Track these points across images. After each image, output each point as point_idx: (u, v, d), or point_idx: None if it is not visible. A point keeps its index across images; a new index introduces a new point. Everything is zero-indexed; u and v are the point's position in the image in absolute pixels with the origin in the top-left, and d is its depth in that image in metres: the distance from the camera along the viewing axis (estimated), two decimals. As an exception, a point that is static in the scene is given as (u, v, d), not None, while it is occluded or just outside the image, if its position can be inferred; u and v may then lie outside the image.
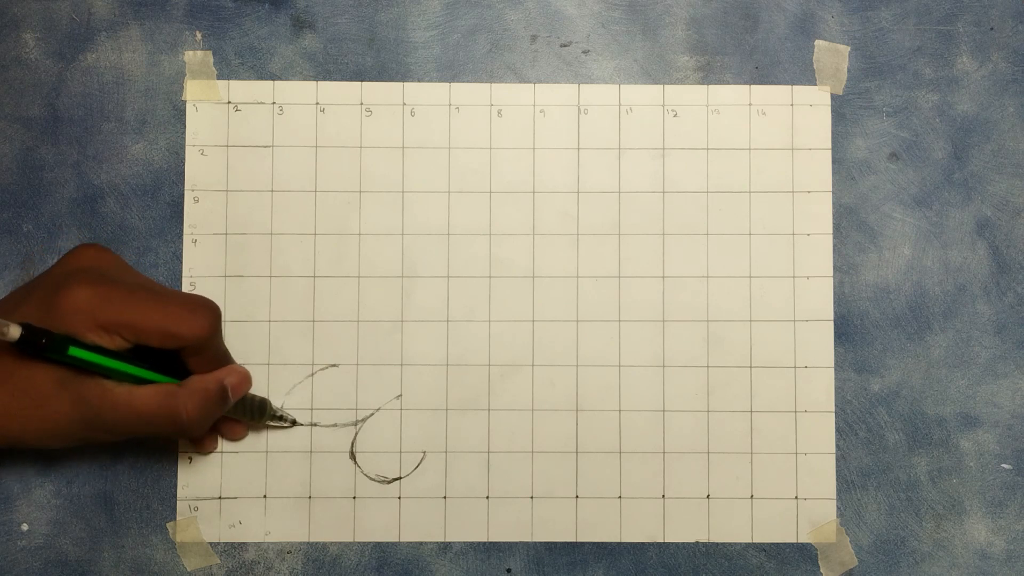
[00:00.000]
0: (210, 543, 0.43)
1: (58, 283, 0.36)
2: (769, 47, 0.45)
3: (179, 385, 0.37)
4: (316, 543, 0.43)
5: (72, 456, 0.43)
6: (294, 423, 0.43)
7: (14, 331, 0.33)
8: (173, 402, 0.36)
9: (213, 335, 0.37)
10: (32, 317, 0.35)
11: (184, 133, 0.44)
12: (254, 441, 0.43)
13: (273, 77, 0.44)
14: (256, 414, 0.42)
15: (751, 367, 0.44)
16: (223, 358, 0.40)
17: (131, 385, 0.36)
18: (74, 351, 0.34)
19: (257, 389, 0.43)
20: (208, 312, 0.37)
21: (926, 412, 0.44)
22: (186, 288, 0.44)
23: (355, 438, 0.44)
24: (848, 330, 0.44)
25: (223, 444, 0.43)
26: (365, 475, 0.43)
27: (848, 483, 0.44)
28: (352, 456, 0.43)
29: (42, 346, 0.34)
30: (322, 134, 0.44)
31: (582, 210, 0.44)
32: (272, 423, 0.43)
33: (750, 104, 0.45)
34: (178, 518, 0.43)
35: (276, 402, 0.43)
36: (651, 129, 0.45)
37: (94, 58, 0.44)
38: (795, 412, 0.44)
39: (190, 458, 0.43)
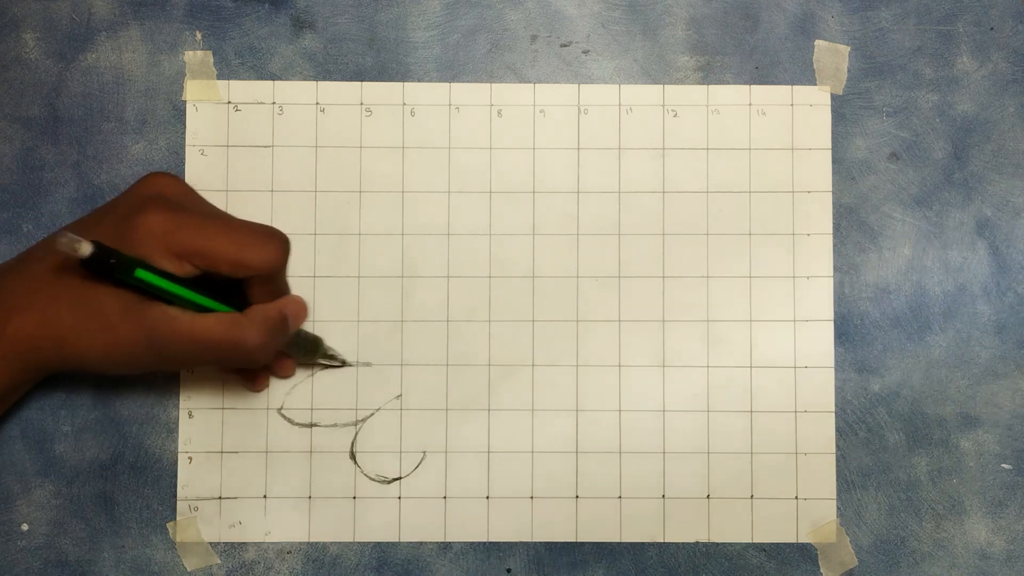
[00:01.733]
0: (210, 543, 0.43)
1: (132, 207, 0.36)
2: (769, 47, 0.45)
3: (241, 314, 0.37)
4: (316, 543, 0.43)
5: (72, 456, 0.43)
6: (344, 363, 0.43)
7: (85, 248, 0.33)
8: (238, 329, 0.37)
9: (282, 265, 0.38)
10: (105, 239, 0.35)
11: (184, 133, 0.44)
12: (254, 441, 0.43)
13: (273, 77, 0.44)
14: (309, 350, 0.42)
15: (751, 367, 0.44)
16: (285, 290, 0.40)
17: (195, 313, 0.36)
18: (140, 273, 0.34)
19: (257, 389, 0.44)
20: (279, 242, 0.37)
21: (926, 412, 0.44)
22: (186, 288, 0.44)
23: (355, 438, 0.44)
24: (848, 330, 0.44)
25: (223, 443, 0.43)
26: (365, 475, 0.43)
27: (848, 483, 0.44)
28: (352, 456, 0.43)
29: (111, 266, 0.34)
30: (322, 134, 0.44)
31: (582, 210, 0.44)
32: (323, 361, 0.43)
33: (750, 104, 0.45)
34: (178, 518, 0.43)
35: (277, 399, 0.43)
36: (651, 129, 0.45)
37: (94, 58, 0.44)
38: (795, 412, 0.44)
39: (190, 458, 0.43)
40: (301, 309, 0.41)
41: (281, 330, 0.39)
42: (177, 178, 0.40)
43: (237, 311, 0.38)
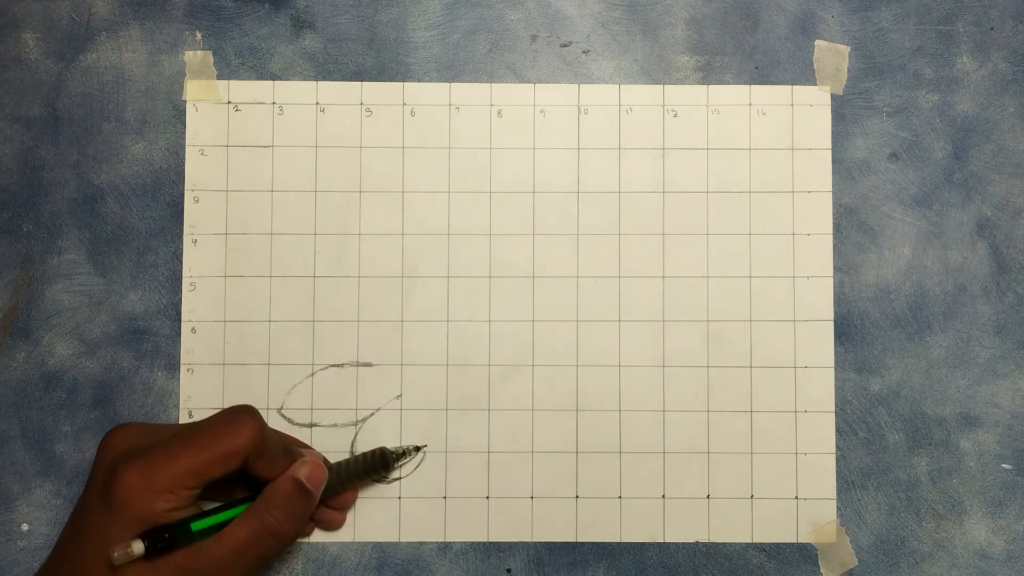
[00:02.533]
0: (210, 543, 0.43)
1: (105, 480, 0.36)
2: (769, 47, 0.45)
3: (256, 502, 0.37)
4: (316, 543, 0.43)
5: (72, 456, 0.43)
6: (417, 449, 0.43)
7: (137, 546, 0.34)
8: (257, 520, 0.37)
9: (262, 434, 0.37)
10: (101, 521, 0.35)
11: (184, 133, 0.44)
12: (254, 441, 0.43)
13: (273, 77, 0.44)
14: (381, 467, 0.42)
15: (751, 367, 0.44)
16: (288, 450, 0.39)
17: (215, 534, 0.36)
18: (196, 525, 0.35)
19: (257, 389, 0.43)
20: (247, 415, 0.37)
21: (926, 412, 0.44)
22: (187, 289, 0.44)
23: (355, 438, 0.44)
24: (848, 330, 0.44)
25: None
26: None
27: (848, 483, 0.44)
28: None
29: (168, 540, 0.35)
30: (322, 134, 0.44)
31: (582, 210, 0.44)
32: (401, 464, 0.43)
33: (750, 104, 0.45)
34: (178, 518, 0.43)
35: (277, 400, 0.43)
36: (651, 129, 0.45)
37: (94, 58, 0.44)
38: (795, 412, 0.44)
39: (190, 458, 0.43)
40: (314, 467, 0.39)
41: (302, 496, 0.38)
42: (127, 425, 0.38)
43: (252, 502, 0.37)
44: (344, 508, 0.42)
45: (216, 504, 0.37)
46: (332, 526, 0.42)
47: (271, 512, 0.37)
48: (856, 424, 0.44)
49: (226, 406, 0.43)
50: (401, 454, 0.43)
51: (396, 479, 0.43)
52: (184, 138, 0.44)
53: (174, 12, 0.45)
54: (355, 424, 0.43)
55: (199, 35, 0.45)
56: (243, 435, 0.36)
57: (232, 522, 0.37)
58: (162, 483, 0.35)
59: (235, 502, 0.37)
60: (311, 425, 0.43)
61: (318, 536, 0.43)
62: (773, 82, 0.45)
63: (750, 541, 0.43)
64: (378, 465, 0.42)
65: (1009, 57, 0.45)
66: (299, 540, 0.43)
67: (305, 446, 0.42)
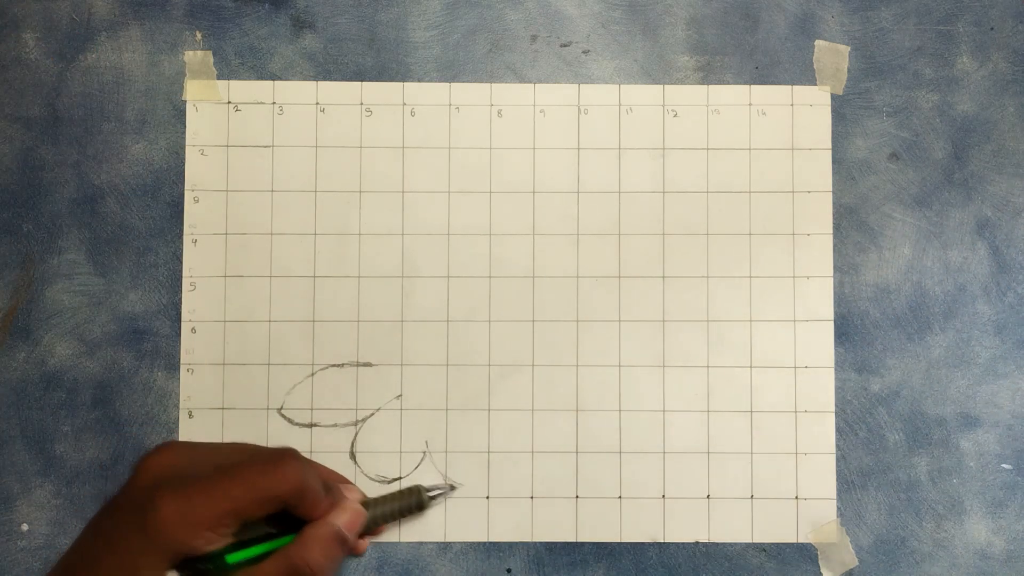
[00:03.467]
0: (210, 543, 0.43)
1: (140, 506, 0.35)
2: (769, 47, 0.45)
3: (293, 543, 0.37)
4: (316, 543, 0.43)
5: (72, 456, 0.43)
6: (452, 487, 0.43)
7: None
8: (291, 564, 0.36)
9: (305, 480, 0.36)
10: (133, 548, 0.34)
11: (184, 133, 0.44)
12: (254, 440, 0.43)
13: (273, 77, 0.44)
14: (415, 508, 0.42)
15: (751, 367, 0.44)
16: (328, 487, 0.39)
17: (249, 568, 0.36)
18: (231, 558, 0.35)
19: (257, 389, 0.43)
20: (291, 460, 0.36)
21: (926, 412, 0.44)
22: (187, 289, 0.44)
23: (355, 438, 0.44)
24: (848, 330, 0.44)
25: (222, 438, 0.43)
26: (365, 475, 0.43)
27: (848, 483, 0.44)
28: (352, 456, 0.43)
29: (205, 572, 0.34)
30: (322, 134, 0.44)
31: (582, 210, 0.44)
32: (435, 502, 0.43)
33: (750, 104, 0.45)
34: (178, 518, 0.43)
35: (277, 400, 0.43)
36: (651, 129, 0.45)
37: (94, 58, 0.44)
38: (795, 412, 0.44)
39: (190, 458, 0.43)
40: (353, 517, 0.39)
41: (338, 545, 0.38)
42: (168, 445, 0.37)
43: (290, 543, 0.37)
44: (372, 537, 0.43)
45: (252, 533, 0.37)
46: (355, 553, 0.42)
47: (306, 558, 0.37)
48: (856, 424, 0.44)
49: (226, 406, 0.43)
50: (439, 494, 0.43)
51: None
52: (184, 138, 0.44)
53: (174, 12, 0.45)
54: (355, 424, 0.43)
55: (199, 35, 0.45)
56: (286, 481, 0.36)
57: (267, 560, 0.36)
58: (200, 521, 0.34)
59: (272, 535, 0.37)
60: (311, 425, 0.43)
61: (318, 536, 0.43)
62: (773, 82, 0.45)
63: (750, 541, 0.43)
64: (413, 506, 0.42)
65: (1009, 57, 0.45)
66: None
67: (345, 480, 0.42)
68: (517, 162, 0.44)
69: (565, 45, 0.45)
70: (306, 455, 0.43)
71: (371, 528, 0.41)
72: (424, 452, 0.43)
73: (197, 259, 0.44)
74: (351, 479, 0.43)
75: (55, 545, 0.43)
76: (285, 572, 0.36)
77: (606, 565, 0.43)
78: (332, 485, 0.39)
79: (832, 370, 0.44)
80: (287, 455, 0.36)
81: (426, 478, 0.43)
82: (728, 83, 0.45)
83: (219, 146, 0.44)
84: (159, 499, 0.35)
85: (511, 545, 0.43)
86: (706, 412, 0.44)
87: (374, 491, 0.43)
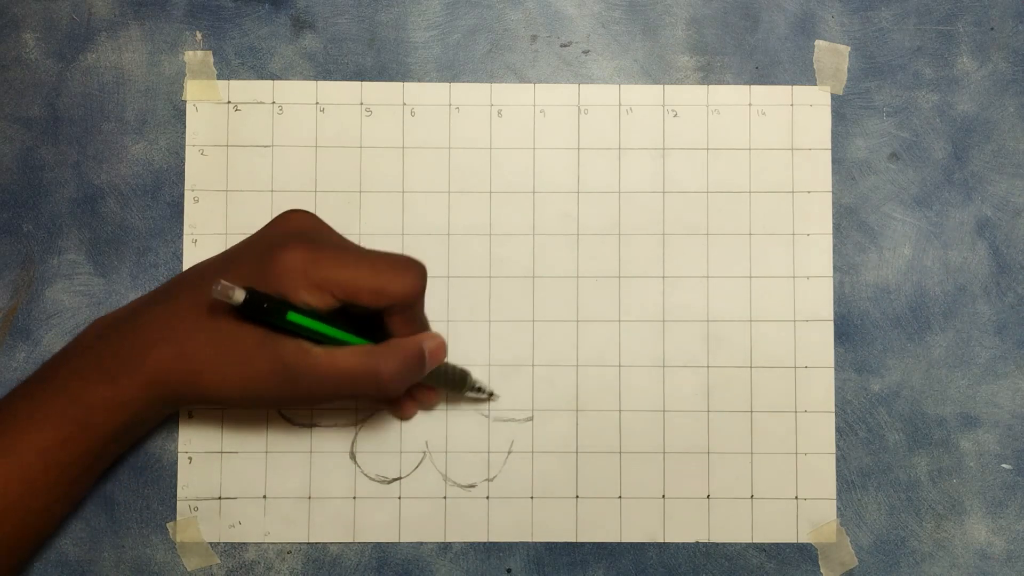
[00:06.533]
0: (210, 543, 0.43)
1: (271, 244, 0.37)
2: (769, 47, 0.45)
3: (376, 346, 0.37)
4: (316, 543, 0.43)
5: (72, 456, 0.43)
6: (491, 395, 0.43)
7: (239, 295, 0.34)
8: (373, 361, 0.37)
9: (420, 294, 0.38)
10: (246, 278, 0.35)
11: (184, 133, 0.44)
12: (254, 441, 0.43)
13: (273, 77, 0.44)
14: (457, 385, 0.42)
15: (751, 367, 0.44)
16: (423, 323, 0.40)
17: (330, 347, 0.37)
18: (292, 316, 0.35)
19: (257, 389, 0.43)
20: (417, 270, 0.37)
21: (926, 412, 0.44)
22: (186, 288, 0.44)
23: (355, 438, 0.44)
24: (848, 330, 0.44)
25: (223, 443, 0.43)
26: (365, 475, 0.43)
27: (848, 483, 0.44)
28: (352, 456, 0.43)
29: (263, 311, 0.35)
30: (322, 134, 0.44)
31: (582, 210, 0.44)
32: (471, 394, 0.43)
33: (750, 104, 0.45)
34: (178, 518, 0.43)
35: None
36: (651, 129, 0.45)
37: (94, 58, 0.44)
38: (795, 412, 0.44)
39: (190, 458, 0.43)
40: (439, 347, 0.40)
41: (418, 364, 0.38)
42: (311, 214, 0.40)
43: (375, 344, 0.38)
44: (423, 404, 0.43)
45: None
46: (402, 413, 0.43)
47: (388, 362, 0.37)
48: (856, 424, 0.44)
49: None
50: (478, 388, 0.43)
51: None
52: (184, 138, 0.44)
53: (174, 12, 0.45)
54: (355, 424, 0.43)
55: (199, 35, 0.45)
56: (406, 285, 0.37)
57: (347, 349, 0.37)
58: (320, 277, 0.36)
59: (345, 331, 0.37)
60: (311, 425, 0.43)
61: (318, 536, 0.43)
62: (773, 82, 0.45)
63: (750, 541, 0.43)
64: (457, 381, 0.42)
65: (1009, 57, 0.45)
66: (299, 541, 0.43)
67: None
68: (517, 162, 0.44)
69: (565, 45, 0.45)
70: (306, 455, 0.43)
71: (439, 383, 0.41)
72: (424, 452, 0.43)
73: (197, 259, 0.44)
74: (351, 479, 0.43)
75: (55, 545, 0.43)
76: (361, 366, 0.37)
77: (606, 565, 0.43)
78: (426, 320, 0.40)
79: (832, 370, 0.44)
80: (417, 265, 0.38)
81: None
82: (728, 83, 0.45)
83: (219, 146, 0.44)
84: (292, 244, 0.36)
85: (511, 545, 0.43)
86: (706, 412, 0.44)
87: (375, 491, 0.43)
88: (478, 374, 0.43)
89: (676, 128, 0.45)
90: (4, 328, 0.44)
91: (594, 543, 0.43)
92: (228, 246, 0.44)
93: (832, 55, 0.45)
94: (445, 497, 0.43)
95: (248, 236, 0.40)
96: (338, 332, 0.37)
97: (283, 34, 0.45)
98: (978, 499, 0.44)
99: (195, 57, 0.44)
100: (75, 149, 0.44)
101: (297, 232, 0.38)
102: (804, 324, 0.44)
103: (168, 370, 0.37)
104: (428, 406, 0.43)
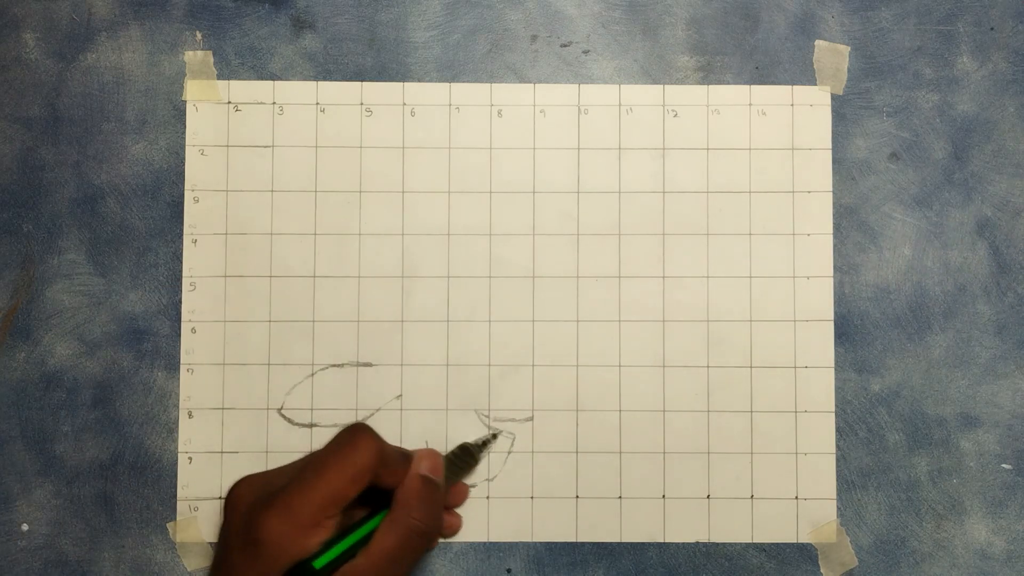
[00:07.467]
0: (210, 543, 0.43)
1: (247, 531, 0.36)
2: (769, 47, 0.45)
3: (393, 509, 0.38)
4: (316, 543, 0.43)
5: (72, 456, 0.43)
6: (496, 436, 0.43)
7: None
8: (402, 526, 0.37)
9: (382, 445, 0.37)
10: (245, 563, 0.35)
11: (184, 133, 0.44)
12: (254, 441, 0.43)
13: (273, 77, 0.44)
14: (469, 462, 0.42)
15: (751, 367, 0.44)
16: (403, 453, 0.40)
17: (364, 548, 0.36)
18: (319, 563, 0.35)
19: (257, 389, 0.43)
20: (361, 432, 0.37)
21: (926, 412, 0.44)
22: (187, 289, 0.44)
23: (355, 438, 0.43)
24: (848, 330, 0.44)
25: (223, 443, 0.43)
26: (365, 475, 0.43)
27: (848, 483, 0.44)
28: (352, 456, 0.43)
29: (313, 571, 0.35)
30: (322, 134, 0.44)
31: (582, 210, 0.44)
32: (485, 452, 0.43)
33: (750, 104, 0.45)
34: (178, 518, 0.43)
35: (277, 400, 0.43)
36: (651, 129, 0.45)
37: (94, 58, 0.44)
38: (795, 412, 0.44)
39: (190, 458, 0.43)
40: (433, 459, 0.40)
41: (431, 491, 0.38)
42: (247, 478, 0.38)
43: (389, 509, 0.38)
44: (457, 505, 0.43)
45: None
46: (452, 530, 0.43)
47: (411, 514, 0.37)
48: (856, 424, 0.44)
49: (226, 406, 0.43)
50: (482, 444, 0.43)
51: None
52: (184, 138, 0.44)
53: (174, 12, 0.45)
54: (355, 424, 0.43)
55: (199, 35, 0.45)
56: (367, 451, 0.37)
57: (376, 535, 0.37)
58: (306, 519, 0.35)
59: (352, 527, 0.37)
60: (311, 425, 0.43)
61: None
62: (773, 82, 0.45)
63: (750, 541, 0.43)
64: (464, 459, 0.42)
65: (1009, 57, 0.45)
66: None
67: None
68: (517, 162, 0.44)
69: (565, 45, 0.45)
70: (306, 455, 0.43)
71: (451, 482, 0.41)
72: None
73: (197, 259, 0.44)
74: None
75: (55, 545, 0.43)
76: (399, 536, 0.37)
77: (606, 565, 0.43)
78: (406, 452, 0.40)
79: (832, 370, 0.44)
80: (358, 429, 0.37)
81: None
82: (728, 83, 0.45)
83: (219, 146, 0.44)
84: (261, 515, 0.35)
85: (511, 545, 0.43)
86: (706, 412, 0.44)
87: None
88: (478, 374, 0.43)
89: (676, 128, 0.45)
90: (4, 328, 0.44)
91: (594, 543, 0.43)
92: (228, 246, 0.44)
93: (832, 55, 0.45)
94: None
95: (218, 545, 0.38)
96: (359, 532, 0.37)
97: (283, 34, 0.45)
98: (978, 499, 0.44)
99: (195, 57, 0.44)
100: (75, 149, 0.44)
101: (252, 503, 0.36)
102: (804, 324, 0.44)
103: None
104: (463, 501, 0.43)
